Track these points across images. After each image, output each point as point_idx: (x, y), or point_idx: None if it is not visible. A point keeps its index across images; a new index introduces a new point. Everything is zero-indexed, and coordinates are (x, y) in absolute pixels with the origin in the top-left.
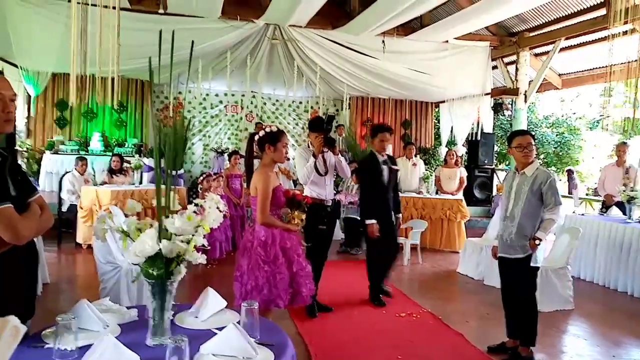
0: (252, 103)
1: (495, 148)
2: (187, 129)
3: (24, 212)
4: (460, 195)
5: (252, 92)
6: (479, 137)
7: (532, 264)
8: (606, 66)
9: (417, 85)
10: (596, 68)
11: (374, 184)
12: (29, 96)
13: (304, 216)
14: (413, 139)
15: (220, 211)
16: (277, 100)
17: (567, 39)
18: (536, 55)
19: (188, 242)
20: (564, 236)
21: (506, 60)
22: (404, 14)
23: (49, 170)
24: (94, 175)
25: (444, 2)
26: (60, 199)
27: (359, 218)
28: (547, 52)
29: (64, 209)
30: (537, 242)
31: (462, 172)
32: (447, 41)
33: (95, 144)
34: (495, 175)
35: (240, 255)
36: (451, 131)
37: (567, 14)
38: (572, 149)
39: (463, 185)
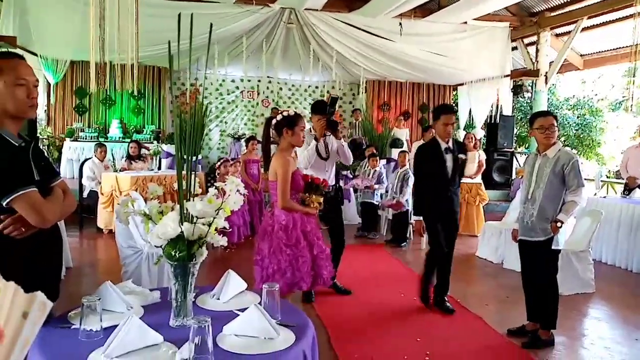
0: (268, 88)
1: (515, 131)
2: (204, 115)
3: (48, 196)
4: (479, 179)
5: (268, 77)
6: (498, 120)
7: (553, 247)
8: (630, 45)
9: (435, 68)
10: (620, 47)
11: (433, 175)
12: (49, 84)
13: (322, 199)
14: (430, 122)
15: (241, 194)
16: (293, 85)
17: (589, 18)
18: (557, 35)
19: (209, 225)
20: (585, 219)
21: (526, 41)
22: None
23: (69, 157)
24: (114, 162)
25: None
26: (81, 185)
27: (375, 202)
28: (568, 32)
29: (85, 195)
30: (558, 224)
31: (480, 155)
32: (465, 22)
33: (114, 130)
34: (514, 158)
35: (260, 240)
36: (469, 114)
37: None
38: (593, 131)
39: (482, 168)
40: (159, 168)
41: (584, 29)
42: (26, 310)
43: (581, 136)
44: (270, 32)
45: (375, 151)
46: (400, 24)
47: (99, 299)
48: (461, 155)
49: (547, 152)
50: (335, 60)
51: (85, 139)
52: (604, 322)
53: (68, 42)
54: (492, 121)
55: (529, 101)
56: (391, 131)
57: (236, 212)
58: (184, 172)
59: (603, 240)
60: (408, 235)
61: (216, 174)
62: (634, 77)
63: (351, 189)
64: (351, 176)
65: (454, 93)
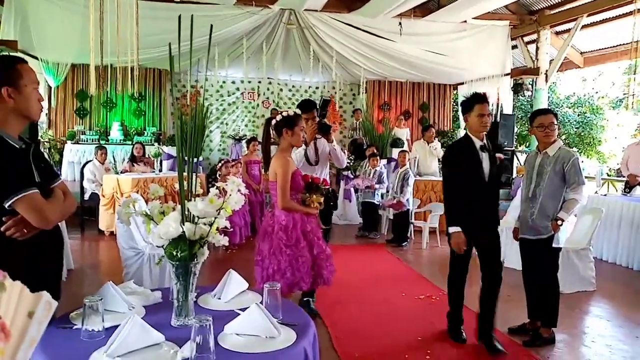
0: (268, 89)
1: (515, 129)
2: (205, 117)
3: (48, 197)
4: None
5: (268, 78)
6: (498, 119)
7: (554, 245)
8: (630, 42)
9: (435, 67)
10: (620, 45)
11: (466, 178)
12: (50, 87)
13: (322, 199)
14: (431, 122)
15: (242, 194)
16: (293, 86)
17: (589, 15)
18: (557, 33)
19: (211, 225)
20: (586, 217)
21: (526, 39)
22: None
23: (70, 160)
24: (115, 164)
25: None
26: (82, 187)
27: (376, 202)
28: (568, 30)
29: (86, 197)
30: (559, 222)
31: None
32: (465, 21)
33: (115, 133)
34: (515, 157)
35: (260, 240)
36: None
37: None
38: (594, 129)
39: None
40: (160, 170)
41: (583, 27)
42: (32, 309)
43: (582, 134)
44: (270, 33)
45: (375, 151)
46: (400, 23)
47: (101, 299)
48: (499, 155)
49: (547, 150)
50: (335, 61)
51: (87, 141)
52: (605, 320)
53: (69, 46)
54: (493, 120)
55: (529, 99)
56: (392, 131)
57: (237, 212)
58: (185, 173)
59: (604, 238)
60: (409, 235)
61: (217, 175)
62: (634, 74)
63: (352, 189)
64: (352, 176)
65: (455, 92)
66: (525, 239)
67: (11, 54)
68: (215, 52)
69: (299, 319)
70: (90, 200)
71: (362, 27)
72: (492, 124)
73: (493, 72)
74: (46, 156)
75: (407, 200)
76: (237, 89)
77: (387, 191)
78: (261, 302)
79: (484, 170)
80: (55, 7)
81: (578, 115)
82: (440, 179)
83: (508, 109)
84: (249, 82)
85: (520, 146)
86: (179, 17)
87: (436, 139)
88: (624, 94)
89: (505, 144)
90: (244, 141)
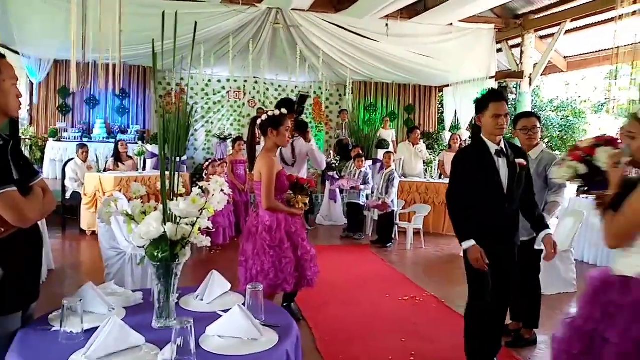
0: (254, 89)
1: None
2: (190, 116)
3: (27, 195)
4: None
5: (254, 77)
6: None
7: (535, 247)
8: (612, 48)
9: (421, 69)
10: (602, 50)
11: (480, 188)
12: (32, 84)
13: (307, 200)
14: (417, 123)
15: (225, 194)
16: (279, 86)
17: (572, 20)
18: (541, 37)
19: (193, 225)
20: (567, 219)
21: (511, 43)
22: None
23: (52, 158)
24: (97, 162)
25: None
26: (63, 186)
27: (361, 203)
28: (552, 35)
29: (68, 196)
30: None
31: None
32: (451, 24)
33: (98, 130)
34: None
35: (244, 241)
36: (455, 115)
37: None
38: (576, 133)
39: None
40: (144, 169)
41: (567, 32)
42: None
43: (564, 137)
44: (257, 32)
45: (361, 152)
46: (387, 25)
47: (80, 300)
48: (520, 161)
49: (530, 153)
50: (321, 61)
51: (69, 139)
52: None
53: (51, 41)
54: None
55: (513, 102)
56: (377, 132)
57: (221, 213)
58: (167, 172)
59: (585, 240)
60: (393, 236)
61: (203, 174)
62: (615, 79)
63: (337, 190)
64: (337, 177)
65: (440, 94)
66: None
67: None
68: (201, 50)
69: (282, 321)
70: (72, 199)
71: (349, 28)
72: (476, 126)
73: (478, 75)
74: (26, 153)
75: (392, 201)
76: (223, 87)
77: (372, 192)
78: (244, 304)
79: (501, 178)
80: (37, 2)
81: (561, 118)
82: (425, 180)
83: None
84: (235, 81)
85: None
86: (163, 13)
87: (421, 140)
88: (606, 98)
89: None
90: (229, 140)
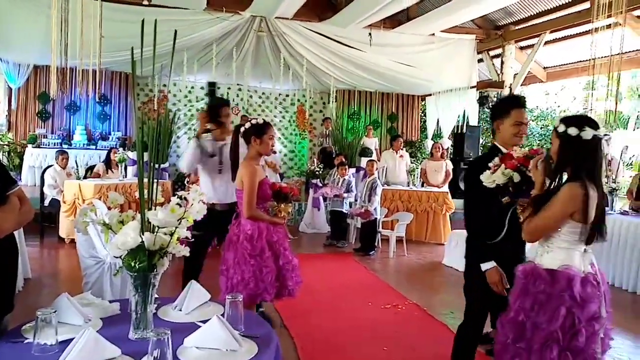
0: (238, 96)
1: (481, 141)
2: (172, 122)
3: (3, 205)
4: (445, 188)
5: (238, 84)
6: (464, 130)
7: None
8: (589, 60)
9: (404, 78)
10: (580, 61)
11: (494, 201)
12: (10, 89)
13: (290, 209)
14: (399, 132)
15: (204, 203)
16: (263, 93)
17: (551, 32)
18: (521, 48)
19: (171, 235)
20: None
21: (492, 53)
22: (390, 6)
23: (31, 164)
24: (77, 169)
25: None
26: (42, 193)
27: (344, 211)
28: (532, 46)
29: (46, 203)
30: None
31: (448, 165)
32: (433, 34)
33: (78, 137)
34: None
35: (225, 249)
36: (437, 124)
37: (552, 7)
38: None
39: (449, 178)
40: (125, 176)
41: (547, 43)
42: None
43: (544, 146)
44: (241, 39)
45: (344, 160)
46: (370, 34)
47: (55, 312)
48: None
49: None
50: (305, 69)
51: (48, 145)
52: None
53: (31, 46)
54: (459, 131)
55: None
56: (361, 140)
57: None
58: (146, 180)
59: None
60: (376, 244)
61: (185, 181)
62: (592, 90)
63: (321, 197)
64: (321, 185)
65: (422, 103)
66: None
67: None
68: (184, 57)
69: (261, 331)
70: (51, 206)
71: (332, 37)
72: (458, 135)
73: (460, 85)
74: (4, 160)
75: (375, 209)
76: (207, 94)
77: (356, 200)
78: (223, 314)
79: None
80: (17, 7)
81: (541, 128)
82: (408, 188)
83: (474, 121)
84: (219, 88)
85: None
86: (142, 21)
87: (403, 149)
88: (584, 108)
89: (471, 154)
90: None
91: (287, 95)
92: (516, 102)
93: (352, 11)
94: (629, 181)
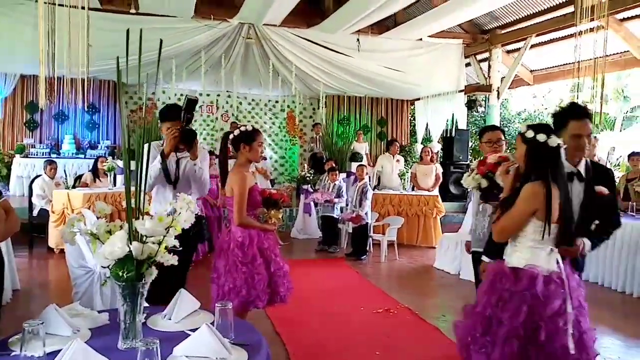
0: (227, 103)
1: (470, 144)
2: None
3: None
4: (436, 192)
5: (227, 91)
6: (453, 134)
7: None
8: (574, 62)
9: (392, 83)
10: (566, 64)
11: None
12: None
13: (280, 215)
14: (389, 136)
15: (192, 212)
16: (252, 100)
17: (537, 35)
18: (508, 52)
19: (159, 244)
20: None
21: (479, 57)
22: (378, 12)
23: (19, 175)
24: (66, 178)
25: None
26: (30, 203)
27: (335, 216)
28: (518, 49)
29: (35, 213)
30: None
31: (437, 168)
32: (421, 39)
33: (67, 146)
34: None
35: (216, 257)
36: (426, 128)
37: (537, 11)
38: None
39: (439, 181)
40: (114, 185)
41: (533, 46)
42: None
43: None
44: (229, 47)
45: (334, 165)
46: (358, 40)
47: (42, 323)
48: (600, 188)
49: None
50: (294, 75)
51: (37, 155)
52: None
53: (17, 56)
54: (448, 135)
55: (482, 115)
56: (351, 145)
57: None
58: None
59: None
60: (368, 248)
61: None
62: (579, 92)
63: (312, 203)
64: (312, 190)
65: (412, 107)
66: (476, 252)
67: None
68: (173, 64)
69: (252, 339)
70: (39, 216)
71: (321, 43)
72: (447, 139)
73: (448, 89)
74: None
75: (366, 213)
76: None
77: (347, 205)
78: (213, 323)
79: (571, 204)
80: (3, 17)
81: None
82: (399, 192)
83: (463, 125)
84: (208, 95)
85: (475, 160)
86: (127, 30)
87: (400, 153)
88: None
89: (461, 158)
90: None
91: (277, 102)
92: (575, 113)
93: (340, 17)
94: (616, 182)
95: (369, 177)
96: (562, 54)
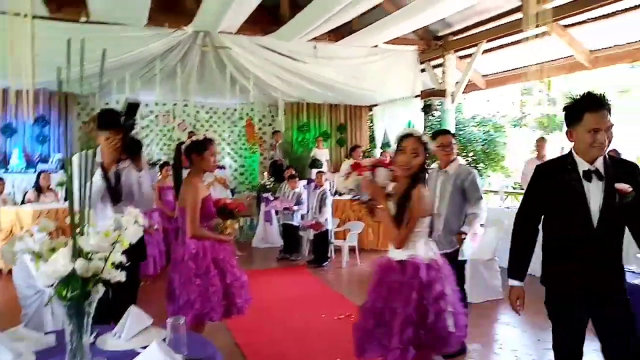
0: (184, 112)
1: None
2: None
3: None
4: None
5: (184, 100)
6: None
7: (459, 258)
8: (523, 67)
9: (349, 90)
10: (516, 69)
11: (559, 215)
12: None
13: (237, 225)
14: (349, 142)
15: (140, 225)
16: (210, 109)
17: (488, 41)
18: (461, 57)
19: (106, 260)
20: (490, 229)
21: (433, 63)
22: (333, 20)
23: None
24: (14, 195)
25: (371, 7)
26: None
27: (296, 223)
28: (471, 55)
29: None
30: (463, 236)
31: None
32: (376, 46)
33: (15, 160)
34: (427, 174)
35: (171, 270)
36: (385, 133)
37: (487, 17)
38: (498, 146)
39: None
40: (65, 200)
41: (485, 52)
42: None
43: (487, 151)
44: (185, 55)
45: (294, 172)
46: (315, 47)
47: None
48: (621, 186)
49: (447, 169)
50: (252, 83)
51: None
52: (511, 326)
53: None
54: None
55: (438, 120)
56: (311, 152)
57: (151, 241)
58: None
59: (508, 249)
60: (329, 255)
61: None
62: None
63: (273, 211)
64: (272, 198)
65: (370, 113)
66: None
67: None
68: (126, 74)
69: (206, 352)
70: None
71: (278, 50)
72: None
73: (404, 94)
74: None
75: (326, 220)
76: (151, 111)
77: (308, 212)
78: (164, 339)
79: (589, 206)
80: None
81: (483, 133)
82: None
83: (419, 129)
84: (164, 104)
85: (432, 164)
86: (69, 41)
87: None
88: (522, 112)
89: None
90: (157, 166)
91: (235, 110)
92: (590, 104)
93: (296, 24)
94: None
95: (330, 183)
96: (512, 59)
